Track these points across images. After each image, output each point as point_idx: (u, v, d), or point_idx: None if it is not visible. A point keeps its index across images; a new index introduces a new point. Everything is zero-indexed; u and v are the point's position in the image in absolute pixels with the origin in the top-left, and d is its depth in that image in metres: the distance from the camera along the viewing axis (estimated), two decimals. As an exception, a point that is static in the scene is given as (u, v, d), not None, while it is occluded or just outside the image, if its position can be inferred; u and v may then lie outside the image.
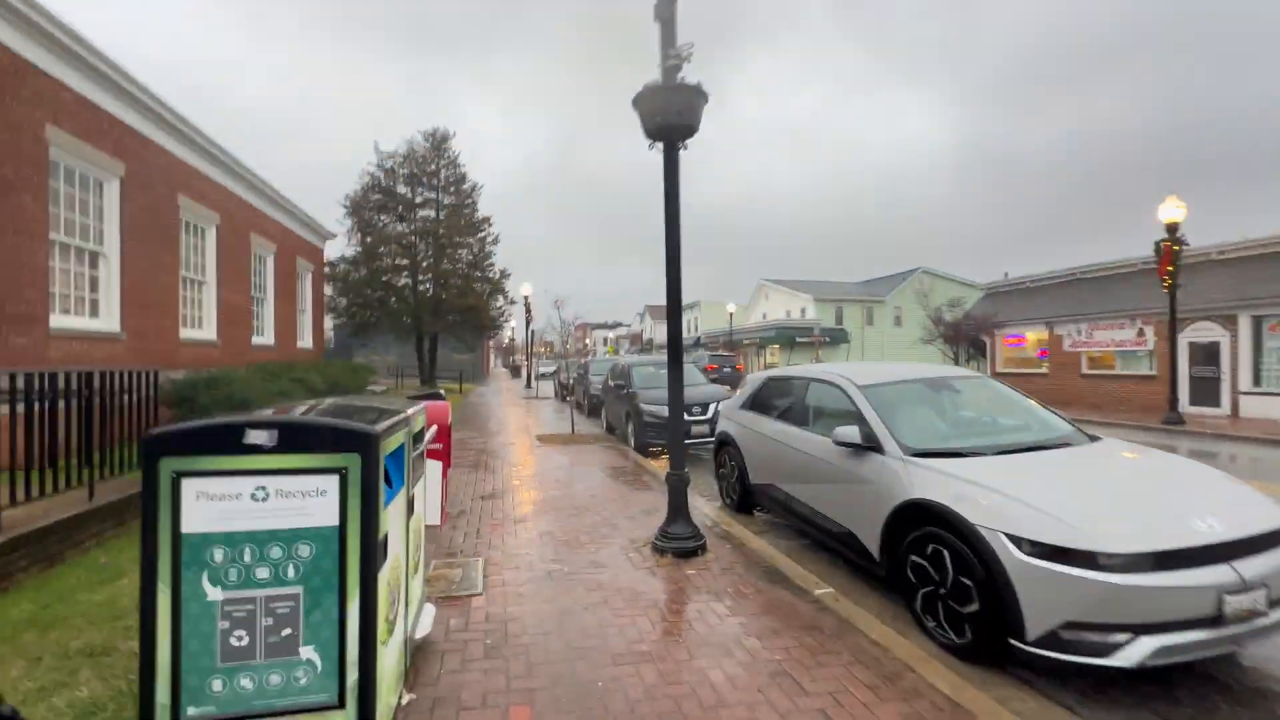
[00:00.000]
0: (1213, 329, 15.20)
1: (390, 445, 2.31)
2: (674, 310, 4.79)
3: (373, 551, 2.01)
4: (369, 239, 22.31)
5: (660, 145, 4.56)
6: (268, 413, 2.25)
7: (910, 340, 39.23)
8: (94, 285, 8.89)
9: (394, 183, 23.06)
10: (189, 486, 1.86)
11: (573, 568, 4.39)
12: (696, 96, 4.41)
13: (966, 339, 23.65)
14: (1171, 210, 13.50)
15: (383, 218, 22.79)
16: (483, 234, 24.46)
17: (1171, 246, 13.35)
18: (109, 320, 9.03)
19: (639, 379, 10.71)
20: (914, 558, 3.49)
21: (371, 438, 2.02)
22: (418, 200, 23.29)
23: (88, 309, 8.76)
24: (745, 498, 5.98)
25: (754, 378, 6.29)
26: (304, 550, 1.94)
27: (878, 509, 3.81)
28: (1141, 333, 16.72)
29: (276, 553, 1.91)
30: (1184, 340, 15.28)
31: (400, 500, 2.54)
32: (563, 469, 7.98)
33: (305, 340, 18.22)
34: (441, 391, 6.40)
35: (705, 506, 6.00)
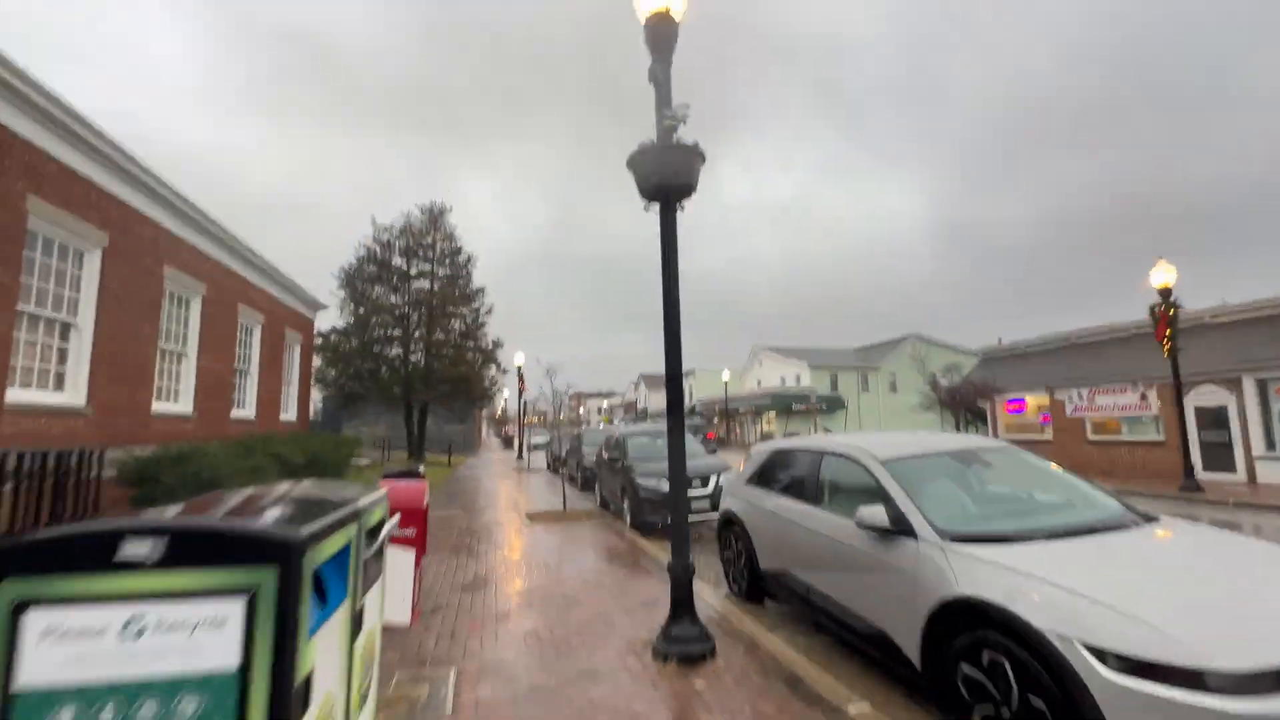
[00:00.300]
0: (1218, 392, 14.96)
1: (328, 550, 1.84)
2: (674, 372, 4.39)
3: (287, 702, 1.50)
4: (362, 310, 22.23)
5: (657, 206, 4.34)
6: (161, 513, 1.79)
7: (908, 406, 38.92)
8: (62, 357, 8.48)
9: (389, 254, 23.28)
10: (35, 620, 1.38)
11: (560, 679, 3.75)
12: (693, 156, 4.23)
13: (965, 405, 23.37)
14: (1162, 274, 13.57)
15: (376, 289, 22.82)
16: (476, 304, 24.48)
17: (1167, 311, 13.32)
18: (74, 394, 8.54)
19: (634, 450, 10.19)
20: (966, 668, 2.93)
21: (293, 546, 1.55)
22: (412, 272, 23.44)
23: (52, 382, 8.30)
24: (755, 585, 5.37)
25: (760, 449, 5.83)
26: (189, 706, 1.43)
27: (915, 606, 3.28)
28: (1144, 397, 16.46)
29: (149, 711, 1.41)
30: (1190, 404, 14.99)
31: (339, 620, 2.03)
32: (553, 552, 7.32)
33: (289, 413, 17.65)
34: (421, 469, 5.88)
35: (709, 594, 5.37)
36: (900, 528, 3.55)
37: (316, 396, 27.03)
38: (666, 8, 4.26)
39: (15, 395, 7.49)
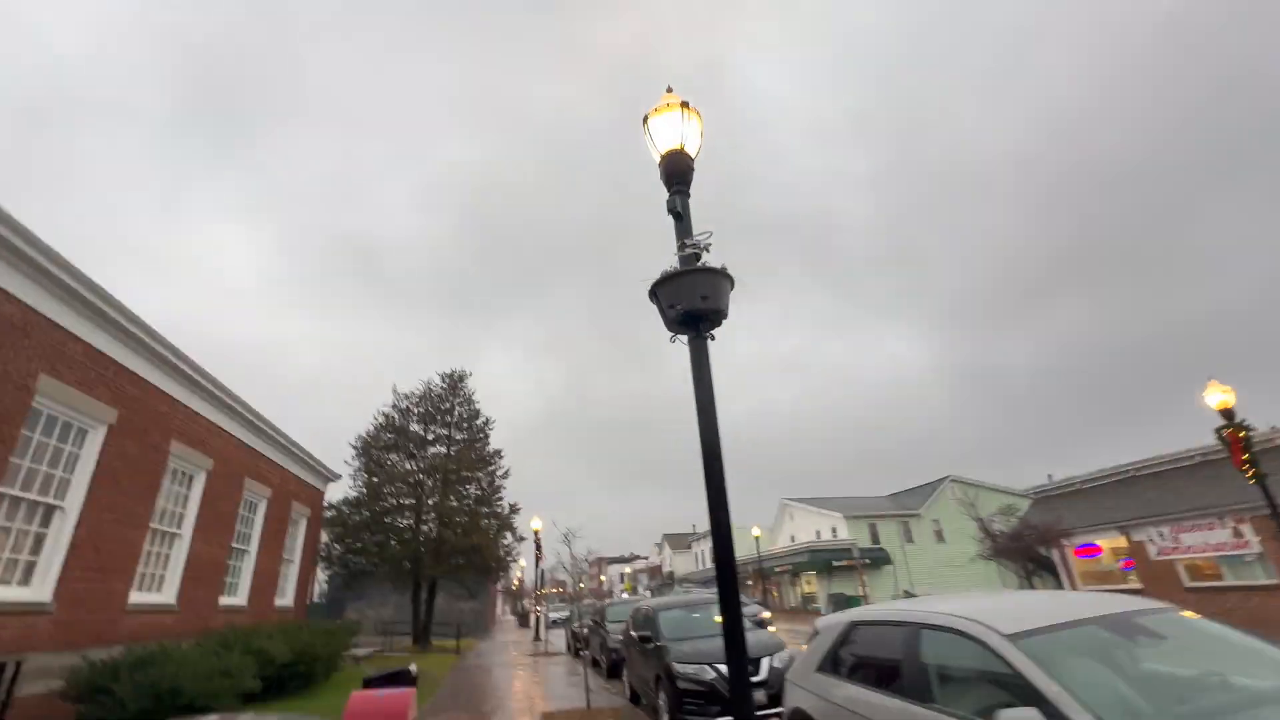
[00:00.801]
0: (1323, 523, 13.15)
1: None
2: (720, 522, 3.54)
3: None
4: (375, 479, 21.54)
5: (684, 337, 3.88)
6: None
7: (964, 557, 35.49)
8: (37, 545, 7.75)
9: (407, 421, 23.19)
10: None
11: None
12: (722, 280, 3.86)
13: (1027, 553, 20.99)
14: (1218, 396, 12.69)
15: (392, 456, 22.35)
16: (493, 467, 23.72)
17: (1236, 433, 12.22)
18: (40, 589, 7.65)
19: (667, 628, 8.73)
20: None
21: None
22: (429, 437, 23.14)
23: (19, 574, 7.48)
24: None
25: (829, 623, 4.71)
26: None
27: None
28: (1238, 533, 14.56)
29: None
30: (1295, 539, 13.12)
31: None
32: (575, 774, 5.77)
33: (285, 597, 16.16)
34: (413, 669, 4.81)
35: None
36: (1071, 744, 2.48)
37: (321, 577, 25.23)
38: (680, 145, 4.22)
39: (-31, 593, 6.66)
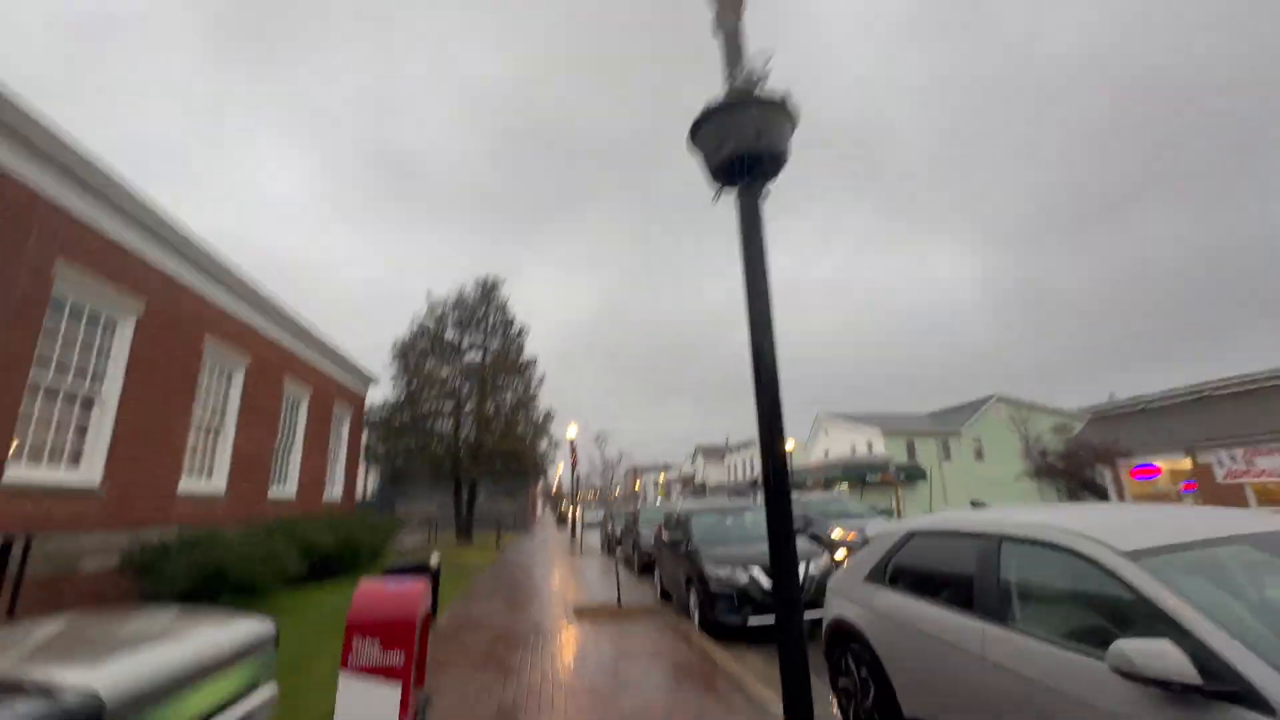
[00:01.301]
0: None
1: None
2: (769, 412, 2.96)
3: None
4: (414, 383, 21.94)
5: (732, 187, 3.12)
6: None
7: (1006, 476, 34.95)
8: (81, 433, 7.90)
9: (443, 328, 23.23)
10: None
11: None
12: (782, 115, 3.03)
13: (1074, 474, 20.21)
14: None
15: (429, 362, 22.63)
16: (527, 375, 23.87)
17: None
18: (89, 472, 7.88)
19: (701, 532, 8.55)
20: None
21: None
22: (464, 344, 23.23)
23: (65, 459, 7.68)
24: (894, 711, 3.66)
25: (885, 531, 4.23)
26: None
27: None
28: (1323, 457, 13.42)
29: None
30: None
31: None
32: (605, 668, 5.72)
33: (334, 491, 16.95)
34: (434, 560, 4.59)
35: None
36: (1223, 685, 1.93)
37: (370, 475, 26.57)
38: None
39: (17, 472, 6.82)
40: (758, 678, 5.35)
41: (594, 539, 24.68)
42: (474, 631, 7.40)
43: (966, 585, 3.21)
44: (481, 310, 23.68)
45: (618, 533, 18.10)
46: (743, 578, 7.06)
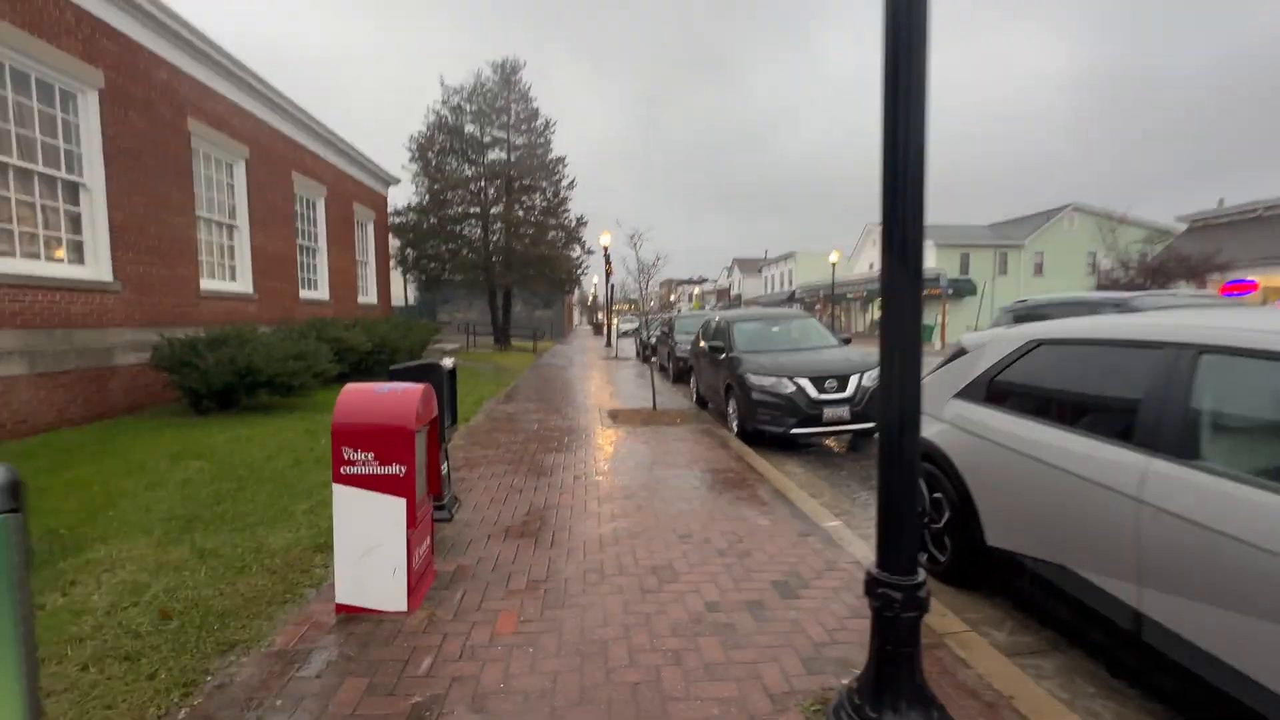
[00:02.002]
0: None
1: None
2: (914, 150, 1.92)
3: None
4: (436, 185, 20.54)
5: None
6: None
7: (1064, 291, 33.09)
8: (74, 225, 7.32)
9: (461, 121, 21.00)
10: None
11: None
12: None
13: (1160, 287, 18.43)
14: None
15: (449, 161, 20.91)
16: (557, 176, 22.04)
17: None
18: (96, 268, 7.47)
19: (742, 340, 7.93)
20: None
21: None
22: (486, 140, 21.14)
23: (68, 253, 7.22)
24: (966, 563, 3.23)
25: (998, 339, 3.37)
26: None
27: None
28: None
29: None
30: None
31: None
32: (640, 471, 5.49)
33: (369, 295, 16.90)
34: (446, 362, 4.02)
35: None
36: None
37: (409, 284, 26.57)
38: None
39: (13, 266, 6.40)
40: (802, 485, 5.05)
41: (628, 347, 25.03)
42: (508, 431, 7.33)
43: (1126, 409, 2.40)
44: (502, 99, 21.09)
45: (653, 341, 18.03)
46: (788, 387, 6.55)
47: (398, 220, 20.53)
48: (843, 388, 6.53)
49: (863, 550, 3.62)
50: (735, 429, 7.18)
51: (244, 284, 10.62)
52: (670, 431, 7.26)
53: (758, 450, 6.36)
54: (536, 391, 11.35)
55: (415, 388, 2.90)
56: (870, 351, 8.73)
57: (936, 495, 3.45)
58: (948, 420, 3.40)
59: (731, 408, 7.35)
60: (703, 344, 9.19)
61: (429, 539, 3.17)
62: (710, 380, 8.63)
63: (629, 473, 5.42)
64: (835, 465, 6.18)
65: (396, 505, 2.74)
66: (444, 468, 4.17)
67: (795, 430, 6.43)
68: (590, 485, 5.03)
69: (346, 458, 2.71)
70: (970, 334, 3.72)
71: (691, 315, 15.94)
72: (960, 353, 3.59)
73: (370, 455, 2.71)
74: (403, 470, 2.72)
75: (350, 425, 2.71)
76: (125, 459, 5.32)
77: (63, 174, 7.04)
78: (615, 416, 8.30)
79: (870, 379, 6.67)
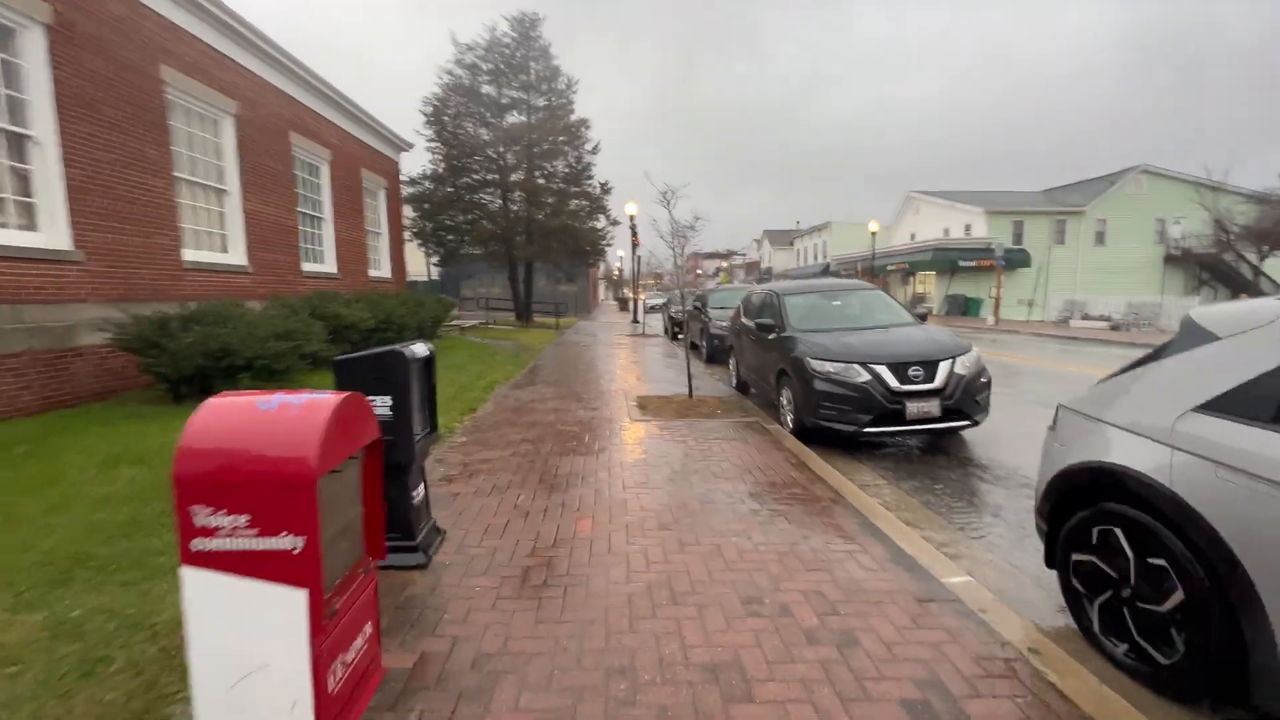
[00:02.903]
0: None
1: None
2: None
3: None
4: (452, 150, 19.32)
5: None
6: None
7: (1126, 263, 30.58)
8: (25, 183, 6.37)
9: (477, 82, 19.64)
10: None
11: None
12: None
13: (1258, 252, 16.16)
14: None
15: (466, 125, 19.63)
16: (580, 140, 20.61)
17: None
18: (55, 235, 6.53)
19: (797, 316, 6.64)
20: None
21: None
22: (504, 101, 19.76)
23: (15, 217, 6.28)
24: (1214, 670, 2.00)
25: (1246, 318, 2.08)
26: None
27: None
28: None
29: None
30: None
31: None
32: (677, 486, 4.34)
33: (381, 269, 15.95)
34: (417, 348, 2.91)
35: (1015, 625, 2.13)
36: None
37: (430, 258, 25.58)
38: None
39: (-59, 231, 5.47)
40: (889, 506, 3.84)
41: (655, 323, 23.79)
42: (520, 424, 6.25)
43: None
44: (520, 56, 19.63)
45: (682, 317, 16.80)
46: (861, 376, 5.28)
47: (413, 190, 19.46)
48: (930, 376, 5.24)
49: (1023, 628, 2.42)
50: (790, 424, 5.96)
51: (236, 255, 9.68)
52: (710, 426, 6.07)
53: (820, 451, 5.14)
54: (556, 373, 10.26)
55: (324, 400, 1.76)
56: (958, 332, 7.34)
57: (1155, 560, 2.21)
58: (1183, 445, 2.13)
59: (785, 398, 6.11)
60: (745, 320, 7.92)
61: (370, 625, 2.07)
62: (755, 363, 7.39)
63: (664, 487, 4.27)
64: (920, 472, 4.92)
65: (290, 602, 1.63)
66: (418, 494, 3.07)
67: (871, 429, 5.19)
68: (615, 506, 3.89)
69: (201, 524, 1.59)
70: (1218, 308, 2.40)
71: (728, 289, 14.59)
72: (1195, 336, 2.30)
73: (243, 519, 1.59)
74: (298, 544, 1.60)
75: (206, 468, 1.59)
76: (52, 462, 4.38)
77: (6, 124, 6.06)
78: (645, 406, 7.15)
79: (964, 365, 5.36)
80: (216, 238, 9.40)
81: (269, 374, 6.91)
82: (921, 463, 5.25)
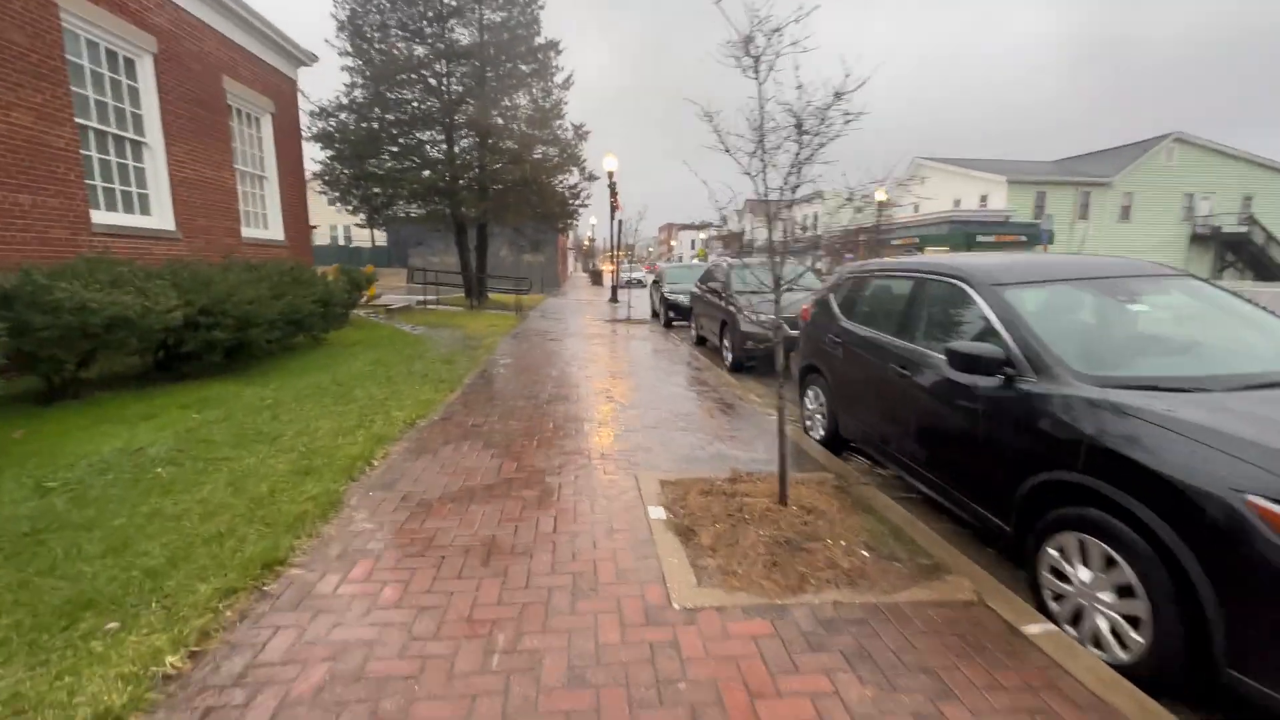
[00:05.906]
0: None
1: None
2: None
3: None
4: (377, 70, 14.50)
5: None
6: None
7: (1154, 241, 27.82)
8: None
9: (411, -21, 14.78)
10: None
11: None
12: None
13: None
14: None
15: (393, 36, 14.88)
16: (548, 69, 16.07)
17: None
18: None
19: (1055, 338, 2.80)
20: None
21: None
22: (447, 5, 14.95)
23: None
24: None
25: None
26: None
27: None
28: None
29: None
30: None
31: None
32: None
33: (266, 229, 11.46)
34: None
35: None
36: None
37: (369, 223, 20.55)
38: None
39: None
40: None
41: (640, 302, 19.76)
42: (436, 546, 2.29)
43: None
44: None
45: (676, 297, 12.98)
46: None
47: (323, 125, 14.72)
48: None
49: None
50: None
51: None
52: (890, 637, 2.24)
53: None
54: (504, 403, 6.23)
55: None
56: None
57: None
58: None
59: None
60: (855, 329, 4.05)
61: None
62: (899, 416, 3.56)
63: None
64: None
65: None
66: None
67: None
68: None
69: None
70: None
71: (723, 264, 10.65)
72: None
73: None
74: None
75: None
76: None
77: None
78: (688, 533, 3.26)
79: None
80: None
81: None
82: None
